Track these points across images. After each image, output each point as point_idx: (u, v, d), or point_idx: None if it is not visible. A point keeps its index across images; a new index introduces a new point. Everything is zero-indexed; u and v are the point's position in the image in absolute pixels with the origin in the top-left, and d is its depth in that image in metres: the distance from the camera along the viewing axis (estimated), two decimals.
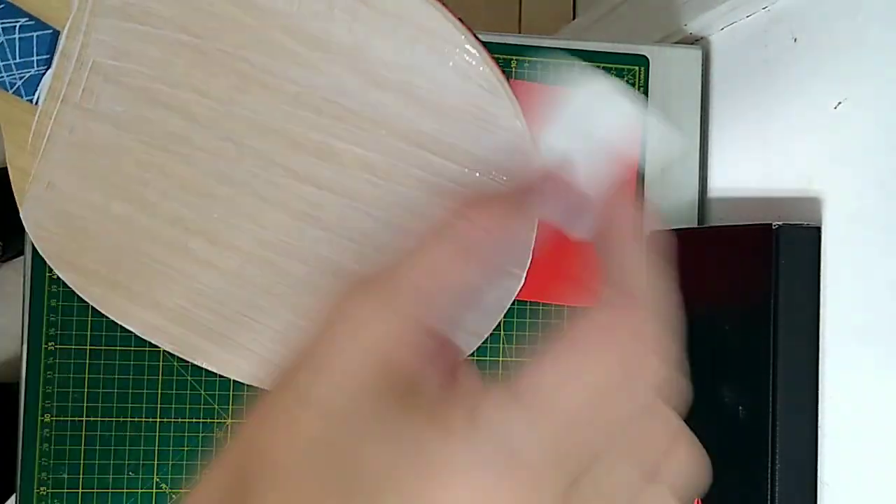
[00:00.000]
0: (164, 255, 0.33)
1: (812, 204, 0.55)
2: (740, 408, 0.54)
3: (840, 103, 0.53)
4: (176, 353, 0.33)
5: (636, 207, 0.26)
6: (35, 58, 0.31)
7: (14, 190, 0.32)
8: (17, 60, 0.31)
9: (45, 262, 0.59)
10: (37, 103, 0.31)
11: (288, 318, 0.33)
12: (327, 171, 0.31)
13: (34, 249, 0.59)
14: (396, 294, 0.22)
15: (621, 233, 0.26)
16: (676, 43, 0.71)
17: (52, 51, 0.31)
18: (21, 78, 0.31)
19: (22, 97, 0.31)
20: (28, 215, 0.33)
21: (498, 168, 0.31)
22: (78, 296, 0.59)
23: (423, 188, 0.32)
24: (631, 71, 0.67)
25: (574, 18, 1.32)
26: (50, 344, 0.60)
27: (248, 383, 0.34)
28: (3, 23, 0.30)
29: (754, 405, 0.53)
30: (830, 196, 0.54)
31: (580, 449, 0.21)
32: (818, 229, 0.53)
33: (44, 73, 0.31)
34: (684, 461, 0.24)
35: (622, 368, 0.22)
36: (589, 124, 0.27)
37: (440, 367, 0.23)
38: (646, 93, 0.68)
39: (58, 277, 0.59)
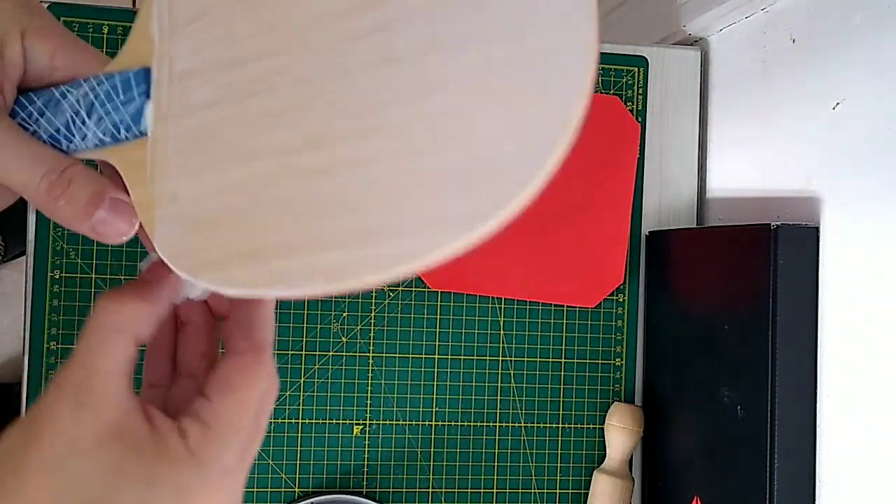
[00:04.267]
0: (287, 191, 0.33)
1: (810, 204, 0.55)
2: (739, 407, 0.54)
3: (838, 104, 0.53)
4: (339, 283, 0.31)
5: None
6: (136, 93, 0.34)
7: (144, 225, 0.33)
8: (122, 99, 0.34)
9: (46, 262, 0.59)
10: (146, 133, 0.33)
11: (407, 167, 0.32)
12: (385, 37, 0.33)
13: (36, 249, 0.59)
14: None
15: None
16: (675, 44, 0.71)
17: (148, 82, 0.34)
18: (128, 113, 0.34)
19: (134, 131, 0.33)
20: (160, 241, 0.33)
21: None
22: (78, 295, 0.60)
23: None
24: (630, 72, 0.68)
25: None
26: (52, 343, 0.60)
27: (405, 267, 0.31)
28: (104, 77, 0.34)
29: (753, 404, 0.53)
30: (829, 196, 0.54)
31: (254, 445, 0.32)
32: (816, 229, 0.53)
33: (145, 104, 0.33)
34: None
35: (265, 394, 0.33)
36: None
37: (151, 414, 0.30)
38: (645, 93, 0.68)
39: (60, 277, 0.60)
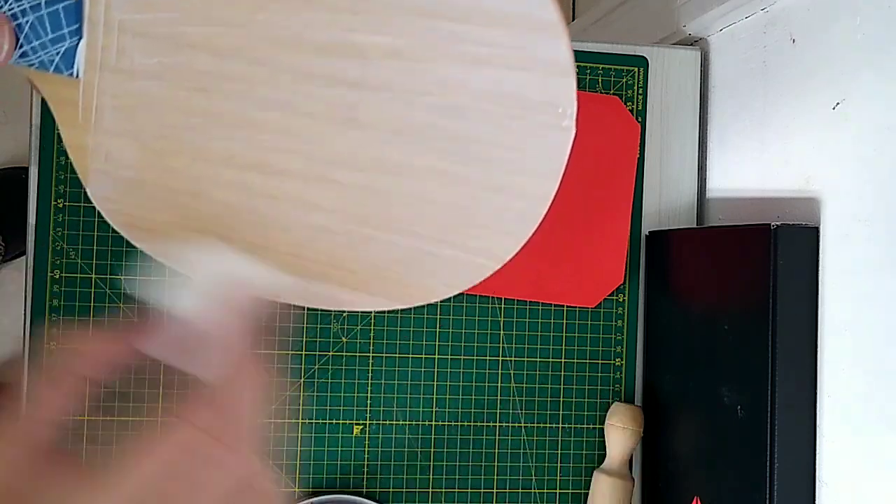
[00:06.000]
0: (226, 198, 0.33)
1: (810, 204, 0.55)
2: (739, 407, 0.54)
3: (838, 103, 0.53)
4: (268, 297, 0.33)
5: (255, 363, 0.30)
6: (66, 30, 0.31)
7: (77, 169, 0.32)
8: (50, 36, 0.31)
9: (46, 262, 0.59)
10: (77, 76, 0.31)
11: (353, 229, 0.33)
12: (356, 68, 0.32)
13: (36, 249, 0.59)
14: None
15: (238, 372, 0.30)
16: (675, 44, 0.71)
17: (79, 20, 0.31)
18: (58, 53, 0.31)
19: (62, 73, 0.31)
20: (94, 191, 0.33)
21: (518, 17, 0.31)
22: (78, 295, 0.60)
23: (450, 59, 0.32)
24: (630, 72, 0.68)
25: (574, 19, 1.32)
26: (52, 343, 0.60)
27: (331, 308, 0.33)
28: (28, 2, 0.30)
29: (753, 405, 0.53)
30: (829, 196, 0.54)
31: None
32: (816, 229, 0.53)
33: (77, 44, 0.31)
34: None
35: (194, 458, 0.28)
36: (211, 287, 0.31)
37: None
38: (645, 93, 0.68)
39: (60, 277, 0.60)
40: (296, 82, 0.32)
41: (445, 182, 0.33)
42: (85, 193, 0.60)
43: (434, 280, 0.33)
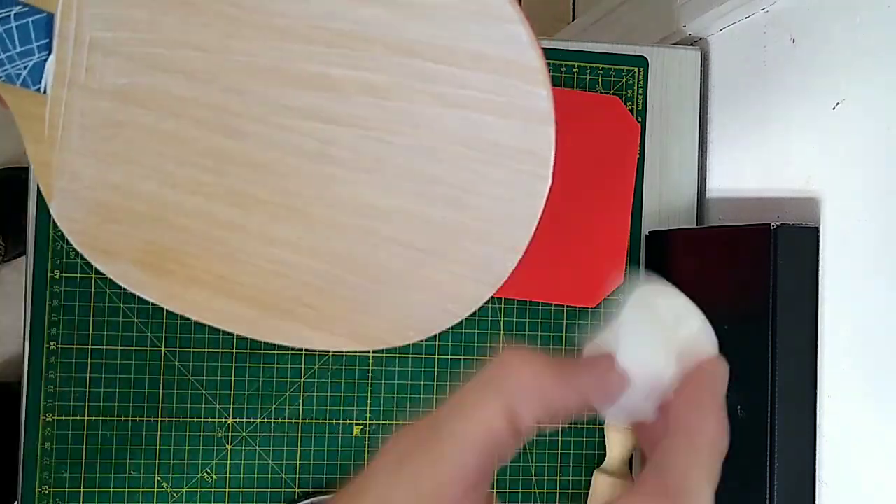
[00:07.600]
0: (191, 225, 0.32)
1: (810, 204, 0.55)
2: (739, 407, 0.54)
3: (838, 104, 0.53)
4: (221, 328, 0.32)
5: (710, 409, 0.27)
6: (35, 44, 0.30)
7: (41, 186, 0.32)
8: (19, 50, 0.30)
9: (46, 262, 0.59)
10: (45, 92, 0.31)
11: (319, 267, 0.32)
12: (330, 102, 0.31)
13: (36, 249, 0.59)
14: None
15: (691, 441, 0.27)
16: (675, 44, 0.71)
17: (49, 35, 0.30)
18: (25, 68, 0.30)
19: (30, 87, 0.31)
20: (58, 211, 0.32)
21: (500, 62, 0.30)
22: (78, 295, 0.60)
23: (427, 99, 0.31)
24: (630, 72, 0.68)
25: (573, 19, 1.32)
26: (52, 343, 0.60)
27: (294, 346, 0.33)
28: None
29: (753, 405, 0.53)
30: (829, 196, 0.54)
31: None
32: (816, 229, 0.53)
33: (46, 59, 0.31)
34: None
35: None
36: (658, 336, 0.29)
37: None
38: (645, 93, 0.68)
39: (60, 277, 0.60)
40: (269, 113, 0.31)
41: (416, 225, 0.32)
42: None
43: (400, 324, 0.33)
